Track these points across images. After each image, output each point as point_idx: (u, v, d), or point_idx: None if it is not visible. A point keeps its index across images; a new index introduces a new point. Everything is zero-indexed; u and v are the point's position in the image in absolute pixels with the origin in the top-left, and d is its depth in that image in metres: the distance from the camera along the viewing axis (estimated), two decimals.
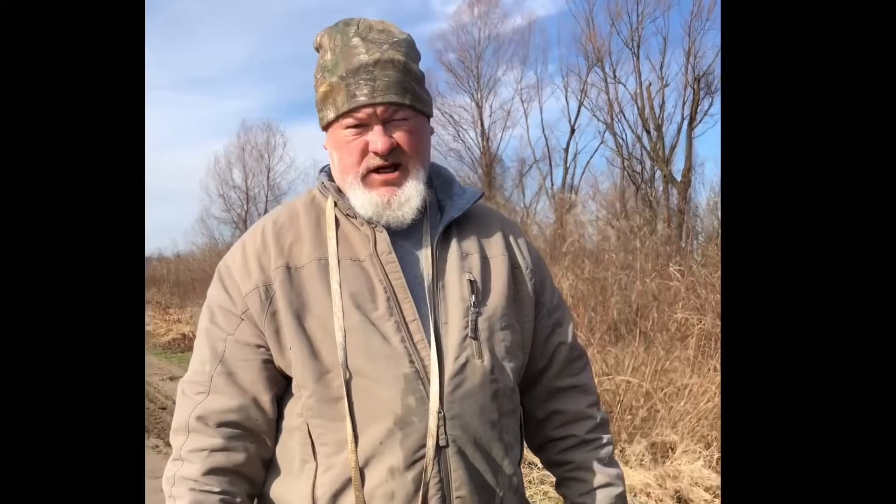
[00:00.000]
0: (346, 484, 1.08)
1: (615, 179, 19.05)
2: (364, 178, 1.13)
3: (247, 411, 1.13)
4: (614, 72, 18.84)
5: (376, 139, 1.11)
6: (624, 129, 18.75)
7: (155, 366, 9.25)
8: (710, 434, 4.77)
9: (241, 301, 1.14)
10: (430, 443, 1.07)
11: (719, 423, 4.75)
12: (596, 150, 27.12)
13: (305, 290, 1.12)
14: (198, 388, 1.15)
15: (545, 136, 23.88)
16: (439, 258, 1.17)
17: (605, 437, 1.28)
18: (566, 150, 21.41)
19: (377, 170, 1.13)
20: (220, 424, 1.12)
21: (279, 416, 1.17)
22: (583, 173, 21.20)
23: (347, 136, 1.12)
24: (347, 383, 1.08)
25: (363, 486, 1.07)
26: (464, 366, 1.11)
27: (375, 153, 1.12)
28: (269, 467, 1.18)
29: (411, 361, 1.09)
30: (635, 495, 3.81)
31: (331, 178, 1.22)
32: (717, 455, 4.40)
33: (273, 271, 1.13)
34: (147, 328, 12.67)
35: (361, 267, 1.13)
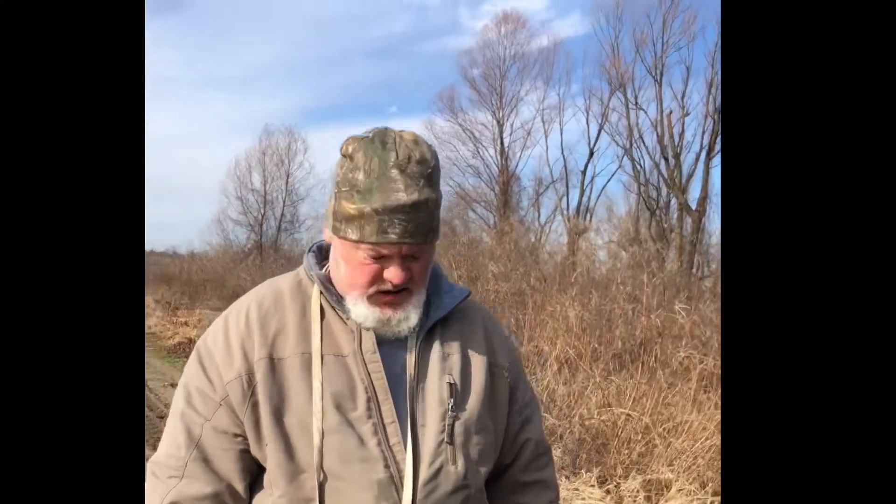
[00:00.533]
0: None
1: (630, 205, 19.02)
2: (370, 296, 1.14)
3: (221, 498, 1.14)
4: (636, 98, 18.87)
5: (394, 274, 1.11)
6: (642, 156, 18.75)
7: (157, 370, 9.03)
8: (706, 474, 4.72)
9: (221, 387, 1.14)
10: None
11: (716, 463, 4.71)
12: (613, 175, 27.06)
13: (286, 384, 1.13)
14: (170, 472, 1.14)
15: (564, 157, 23.86)
16: (421, 358, 1.18)
17: None
18: (584, 172, 21.48)
19: (385, 292, 1.14)
20: None
21: None
22: (598, 196, 21.20)
23: (363, 258, 1.12)
24: (321, 486, 1.09)
25: None
26: (438, 471, 1.12)
27: (390, 282, 1.12)
28: None
29: (386, 466, 1.10)
30: None
31: (318, 261, 1.23)
32: (710, 498, 4.35)
33: (256, 362, 1.13)
34: (153, 330, 12.61)
35: (344, 363, 1.14)
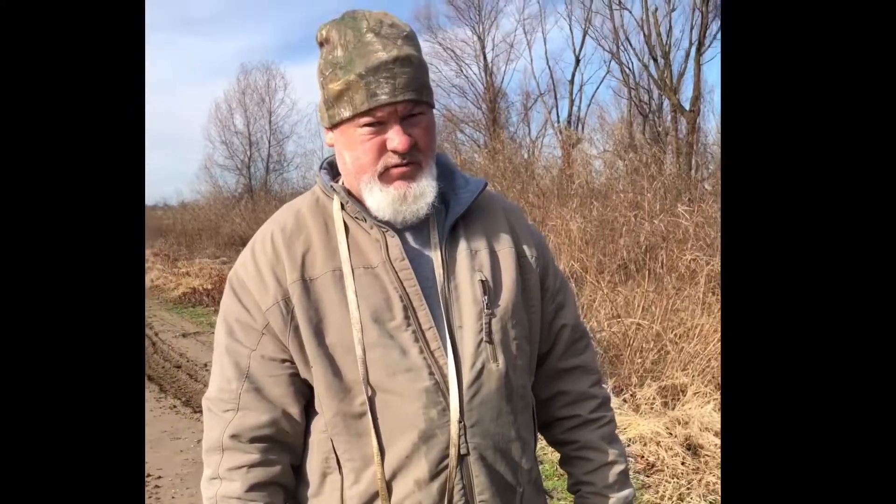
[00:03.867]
0: (375, 496, 1.13)
1: (622, 110, 18.69)
2: (381, 175, 1.12)
3: (278, 425, 1.15)
4: None
5: (396, 138, 1.09)
6: (630, 58, 18.23)
7: (167, 322, 9.21)
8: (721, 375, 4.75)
9: (260, 316, 1.14)
10: (453, 452, 1.10)
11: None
12: (602, 81, 26.63)
13: (322, 303, 1.12)
14: (225, 406, 1.16)
15: (549, 67, 23.43)
16: (448, 258, 1.17)
17: (608, 416, 1.32)
18: (571, 81, 20.98)
19: (394, 166, 1.12)
20: (255, 440, 1.14)
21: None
22: (589, 105, 20.84)
23: (363, 134, 1.10)
24: (370, 399, 1.10)
25: (390, 497, 1.12)
26: (480, 371, 1.13)
27: (395, 152, 1.10)
28: (296, 474, 1.21)
29: (431, 373, 1.11)
30: (646, 444, 3.82)
31: (332, 177, 1.20)
32: None
33: (290, 285, 1.13)
34: (156, 283, 12.66)
35: (375, 274, 1.13)
